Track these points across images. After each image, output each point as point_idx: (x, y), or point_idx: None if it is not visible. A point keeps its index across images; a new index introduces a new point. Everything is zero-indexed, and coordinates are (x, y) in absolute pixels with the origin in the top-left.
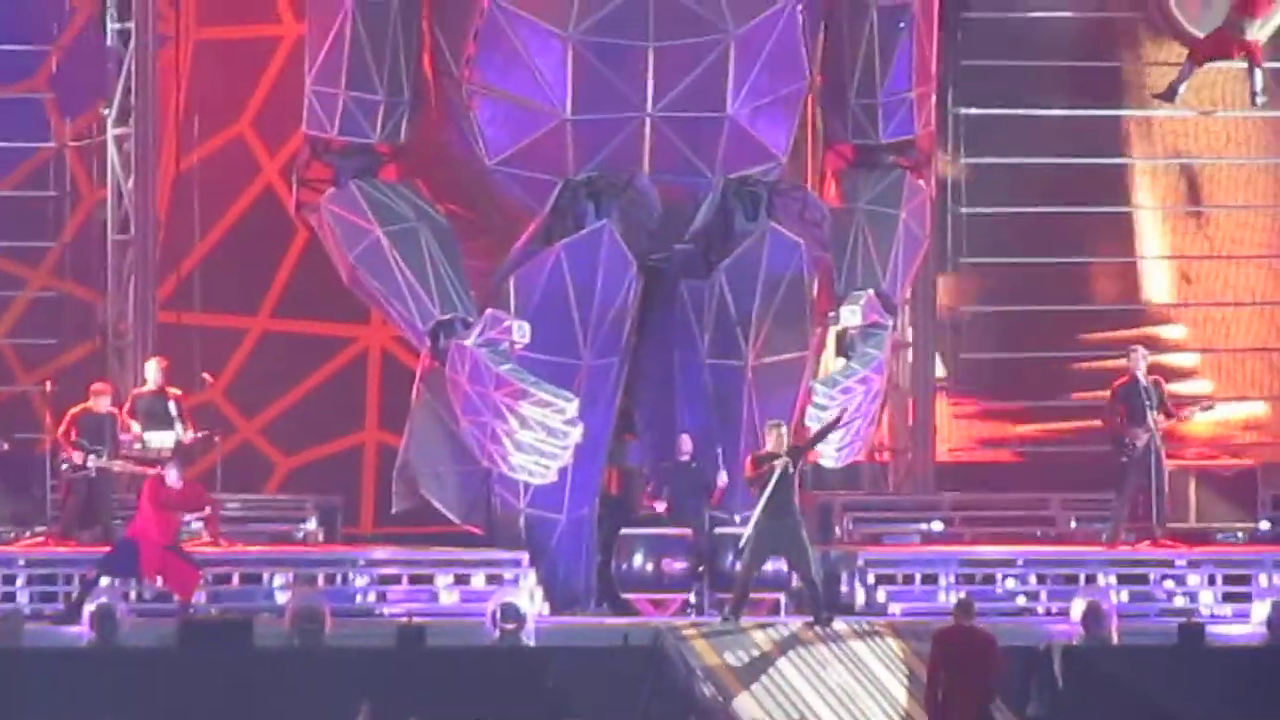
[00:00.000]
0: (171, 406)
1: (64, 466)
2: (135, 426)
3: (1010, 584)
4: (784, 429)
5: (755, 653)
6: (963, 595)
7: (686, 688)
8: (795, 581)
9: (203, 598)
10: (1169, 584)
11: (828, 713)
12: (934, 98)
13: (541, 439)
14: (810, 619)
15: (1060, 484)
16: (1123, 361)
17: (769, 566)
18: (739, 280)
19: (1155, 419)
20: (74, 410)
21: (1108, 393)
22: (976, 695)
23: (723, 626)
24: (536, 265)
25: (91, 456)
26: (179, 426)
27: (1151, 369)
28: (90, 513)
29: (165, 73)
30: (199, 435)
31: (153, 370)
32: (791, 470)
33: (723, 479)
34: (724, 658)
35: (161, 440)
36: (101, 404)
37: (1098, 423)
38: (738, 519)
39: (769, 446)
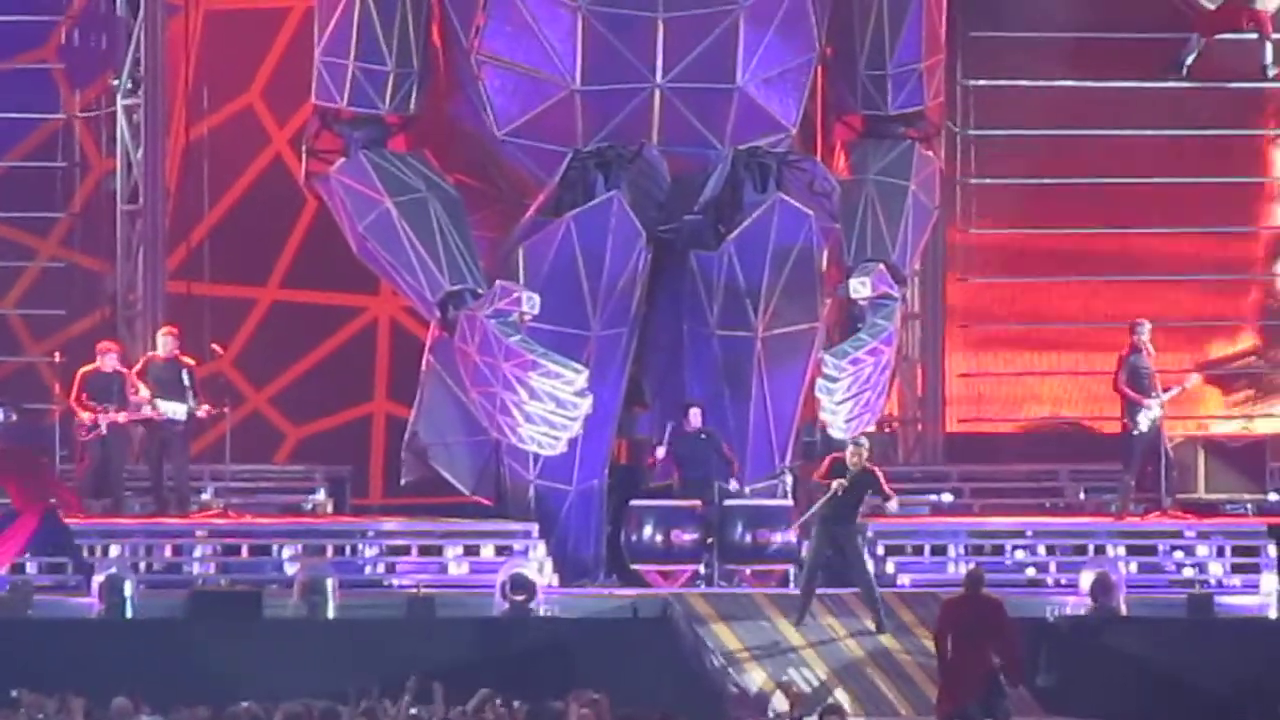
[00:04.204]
0: (185, 375)
1: (83, 431)
2: (144, 391)
3: (1019, 555)
4: (865, 448)
5: (764, 624)
6: (972, 566)
7: (696, 659)
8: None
9: (211, 568)
10: (1178, 555)
11: (835, 682)
12: (943, 69)
13: (551, 410)
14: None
15: (1069, 455)
16: None
17: (777, 538)
18: (748, 251)
19: (1160, 390)
20: (83, 370)
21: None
22: (986, 663)
23: (731, 598)
24: (546, 236)
25: (101, 415)
26: (191, 398)
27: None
28: (103, 483)
29: (174, 43)
30: (212, 410)
31: (163, 341)
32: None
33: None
34: (733, 629)
35: (174, 410)
36: (108, 362)
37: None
38: (748, 491)
39: (850, 459)
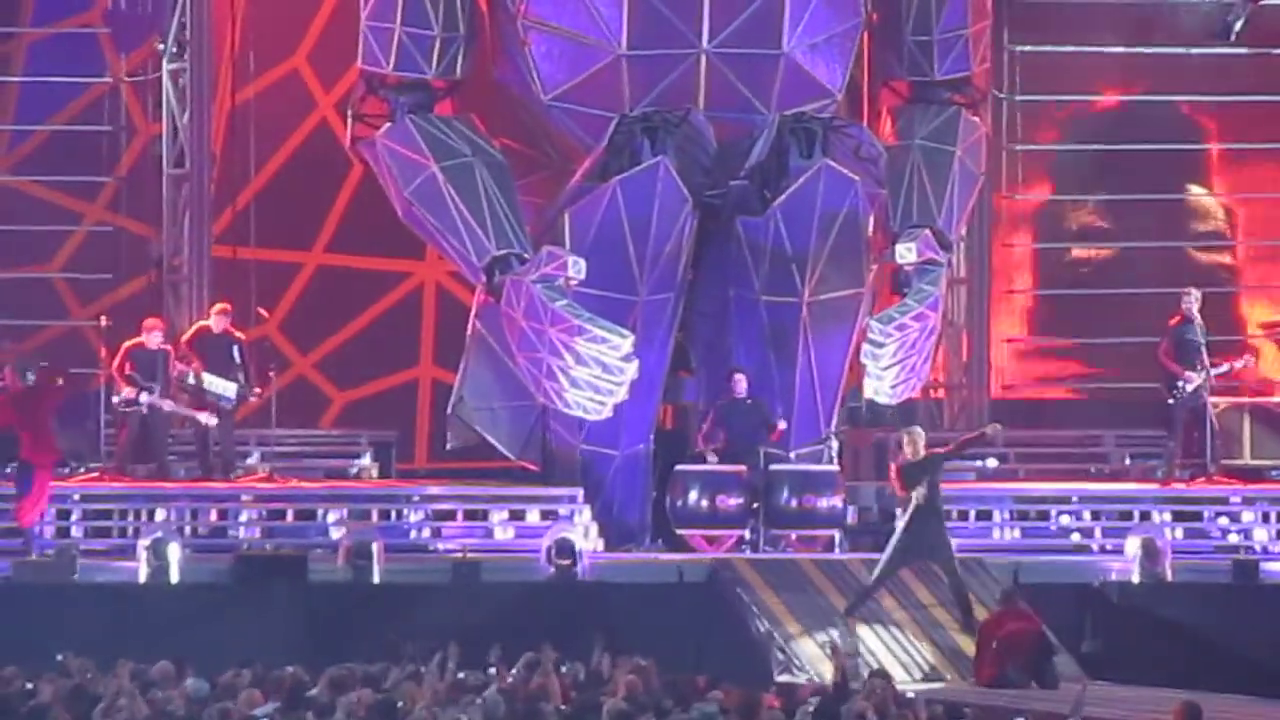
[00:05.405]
0: (236, 351)
1: (116, 400)
2: (194, 364)
3: (1065, 521)
4: (920, 436)
5: (810, 590)
6: (1004, 588)
7: (741, 625)
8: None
9: (256, 532)
10: (1223, 521)
11: (881, 649)
12: (989, 35)
13: (597, 375)
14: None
15: (1115, 421)
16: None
17: (823, 503)
18: (794, 217)
19: (1208, 361)
20: (128, 343)
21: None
22: (1029, 636)
23: (777, 564)
24: (592, 201)
25: (144, 393)
26: (242, 376)
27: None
28: (145, 448)
29: (220, 7)
30: (264, 394)
31: (217, 320)
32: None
33: (781, 425)
34: (779, 594)
35: (224, 388)
36: (153, 340)
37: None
38: (793, 456)
39: (906, 454)
